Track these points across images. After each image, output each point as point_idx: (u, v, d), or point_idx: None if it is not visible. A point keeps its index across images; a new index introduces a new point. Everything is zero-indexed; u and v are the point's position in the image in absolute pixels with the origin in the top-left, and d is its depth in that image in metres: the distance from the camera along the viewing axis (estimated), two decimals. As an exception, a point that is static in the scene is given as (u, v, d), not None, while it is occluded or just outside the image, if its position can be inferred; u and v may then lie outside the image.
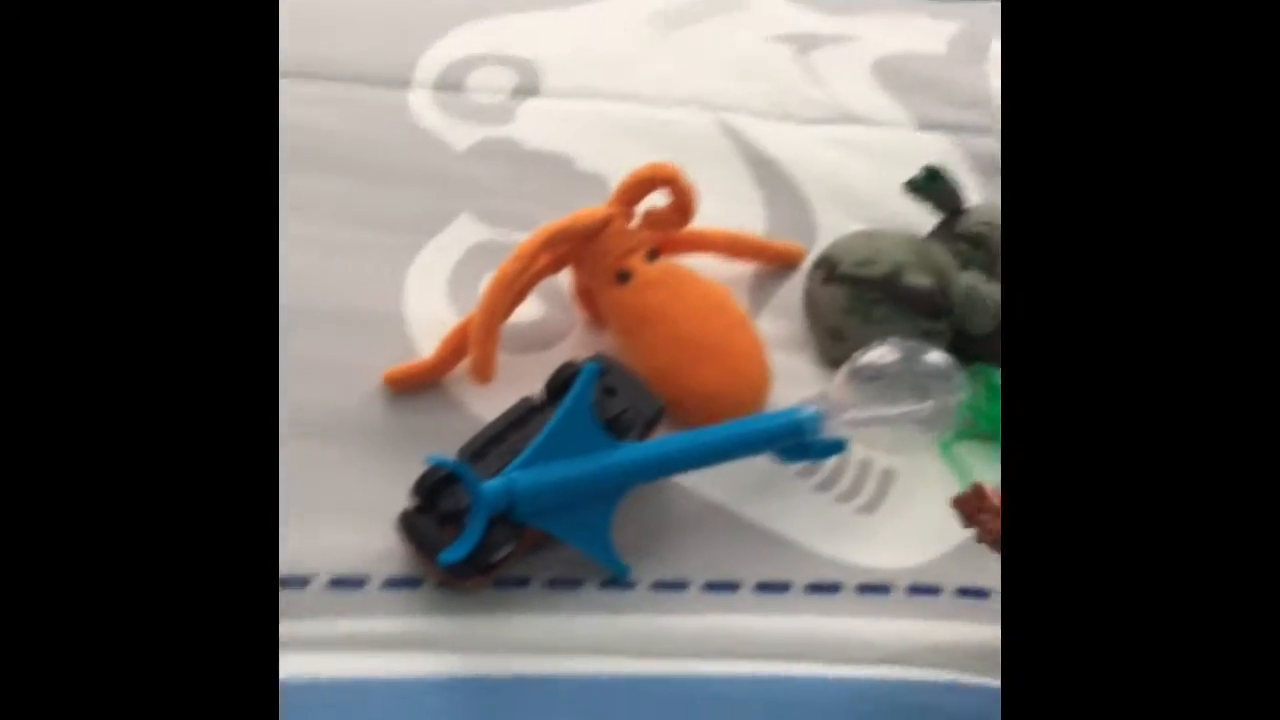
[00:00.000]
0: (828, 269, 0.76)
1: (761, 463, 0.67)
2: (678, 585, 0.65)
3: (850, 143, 0.90)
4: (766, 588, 0.65)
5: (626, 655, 0.62)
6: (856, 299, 0.74)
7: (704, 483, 0.68)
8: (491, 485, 0.60)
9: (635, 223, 0.73)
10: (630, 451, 0.64)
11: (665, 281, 0.71)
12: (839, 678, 0.61)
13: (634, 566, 0.65)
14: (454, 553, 0.59)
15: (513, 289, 0.69)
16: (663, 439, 0.66)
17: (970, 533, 0.60)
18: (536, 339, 0.75)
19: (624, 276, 0.71)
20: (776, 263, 0.80)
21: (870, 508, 0.69)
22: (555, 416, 0.62)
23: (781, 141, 0.88)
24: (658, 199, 0.73)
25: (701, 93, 0.91)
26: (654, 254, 0.72)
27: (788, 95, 0.92)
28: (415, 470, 0.63)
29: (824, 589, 0.65)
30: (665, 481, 0.68)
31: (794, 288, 0.79)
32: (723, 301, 0.72)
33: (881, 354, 0.67)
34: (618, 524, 0.64)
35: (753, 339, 0.72)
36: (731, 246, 0.78)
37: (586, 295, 0.75)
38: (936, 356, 0.67)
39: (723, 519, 0.68)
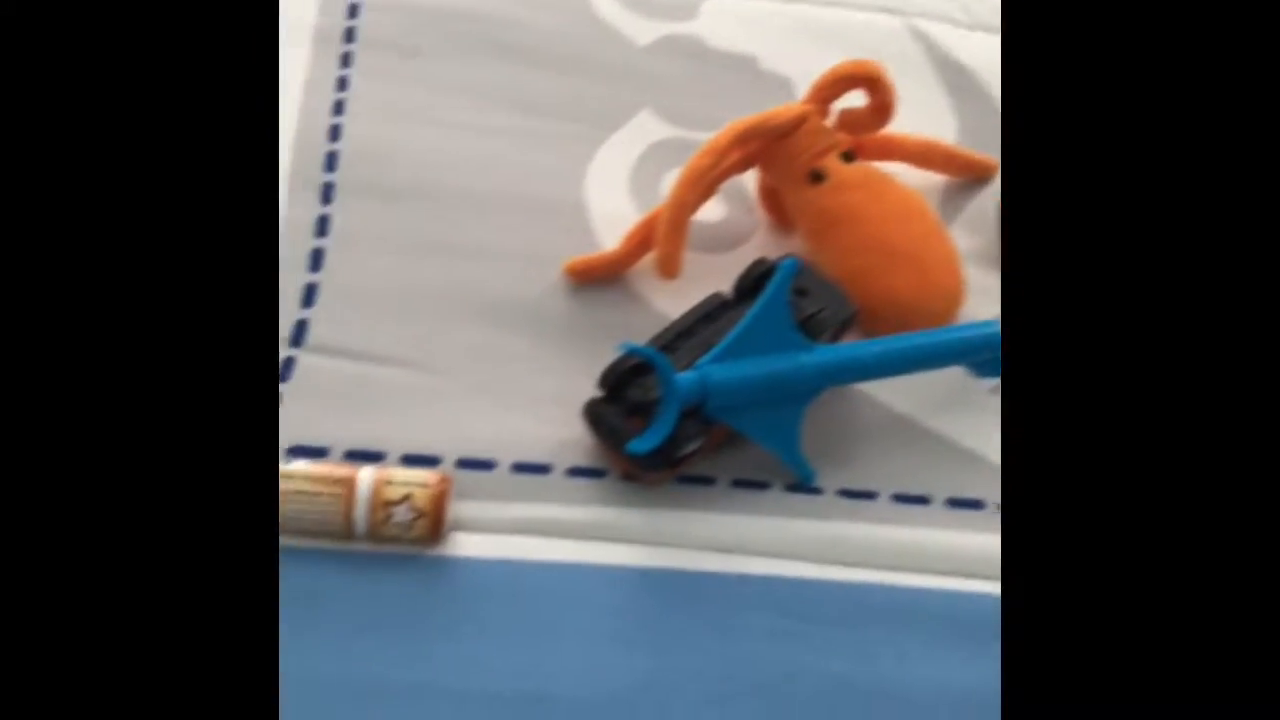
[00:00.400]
0: None
1: (951, 376, 0.65)
2: (866, 495, 0.63)
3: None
4: (958, 504, 0.63)
5: (811, 560, 0.60)
6: None
7: (892, 393, 0.67)
8: (685, 377, 0.59)
9: (829, 122, 0.71)
10: (825, 353, 0.62)
11: (861, 184, 0.69)
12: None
13: (820, 473, 0.63)
14: (644, 443, 0.58)
15: (702, 184, 0.67)
16: (857, 343, 0.64)
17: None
18: (720, 239, 0.73)
19: (817, 177, 0.69)
20: (968, 174, 0.77)
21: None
22: (750, 312, 0.60)
23: (974, 50, 0.85)
24: (853, 99, 0.71)
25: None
26: (848, 156, 0.70)
27: (981, 3, 0.88)
28: (598, 362, 0.63)
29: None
30: (852, 390, 0.66)
31: (986, 200, 0.76)
32: (919, 208, 0.70)
33: None
34: (804, 429, 0.62)
35: (949, 248, 0.69)
36: (924, 154, 0.75)
37: (772, 196, 0.73)
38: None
39: (912, 431, 0.66)
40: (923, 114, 0.80)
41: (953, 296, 0.68)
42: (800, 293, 0.64)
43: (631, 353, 0.60)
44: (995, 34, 0.86)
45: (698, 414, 0.60)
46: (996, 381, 0.66)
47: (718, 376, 0.59)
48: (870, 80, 0.69)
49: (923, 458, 0.65)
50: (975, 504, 0.63)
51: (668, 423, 0.58)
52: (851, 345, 0.64)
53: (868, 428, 0.66)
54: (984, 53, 0.84)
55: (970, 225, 0.75)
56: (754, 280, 0.65)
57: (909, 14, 0.86)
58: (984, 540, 0.61)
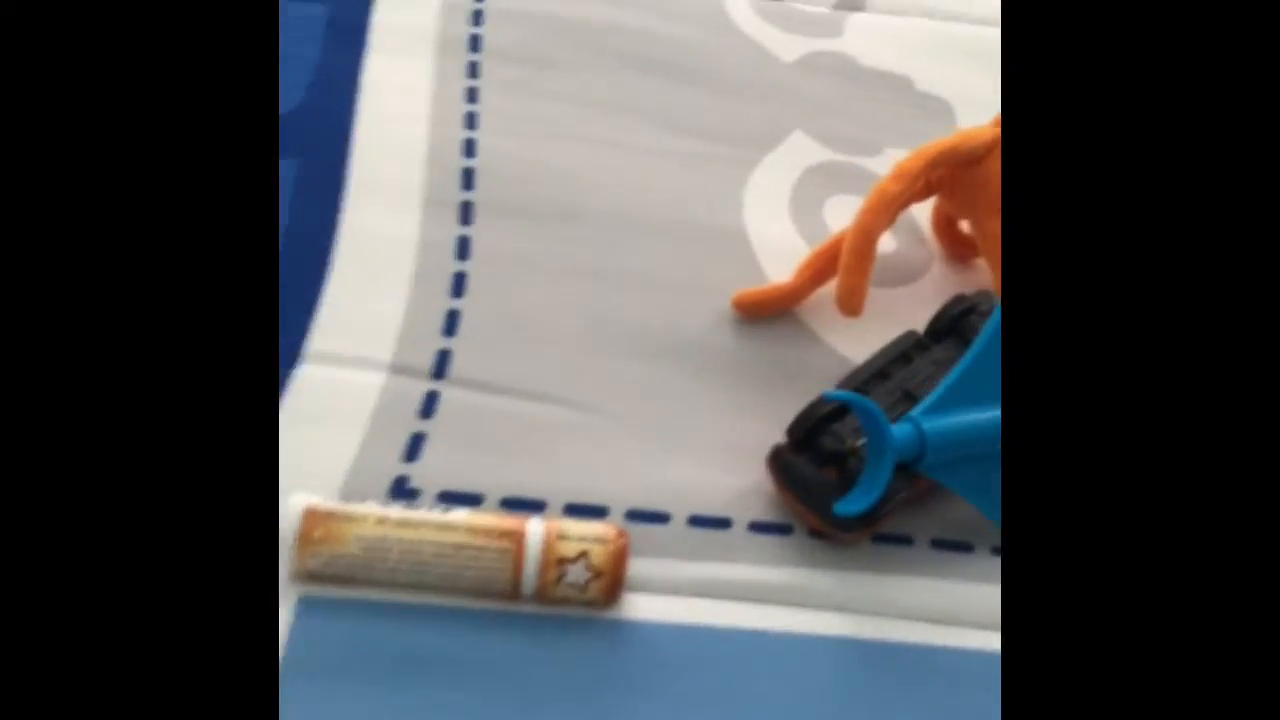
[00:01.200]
0: None
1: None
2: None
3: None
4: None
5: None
6: None
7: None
8: (901, 430, 0.52)
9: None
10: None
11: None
12: None
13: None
14: (853, 503, 0.52)
15: (890, 212, 0.62)
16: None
17: None
18: (895, 272, 0.67)
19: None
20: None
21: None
22: (965, 358, 0.54)
23: None
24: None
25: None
26: (1044, 185, 0.64)
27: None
28: (773, 404, 0.57)
29: None
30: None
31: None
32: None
33: None
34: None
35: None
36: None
37: (950, 226, 0.67)
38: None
39: None
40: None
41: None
42: (1000, 335, 0.58)
43: (834, 400, 0.54)
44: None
45: (907, 468, 0.53)
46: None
47: (935, 430, 0.53)
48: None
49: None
50: None
51: (881, 481, 0.52)
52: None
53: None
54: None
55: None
56: (951, 319, 0.59)
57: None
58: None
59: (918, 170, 0.61)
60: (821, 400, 0.55)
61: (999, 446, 0.54)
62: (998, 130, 0.64)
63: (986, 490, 0.55)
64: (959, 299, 0.60)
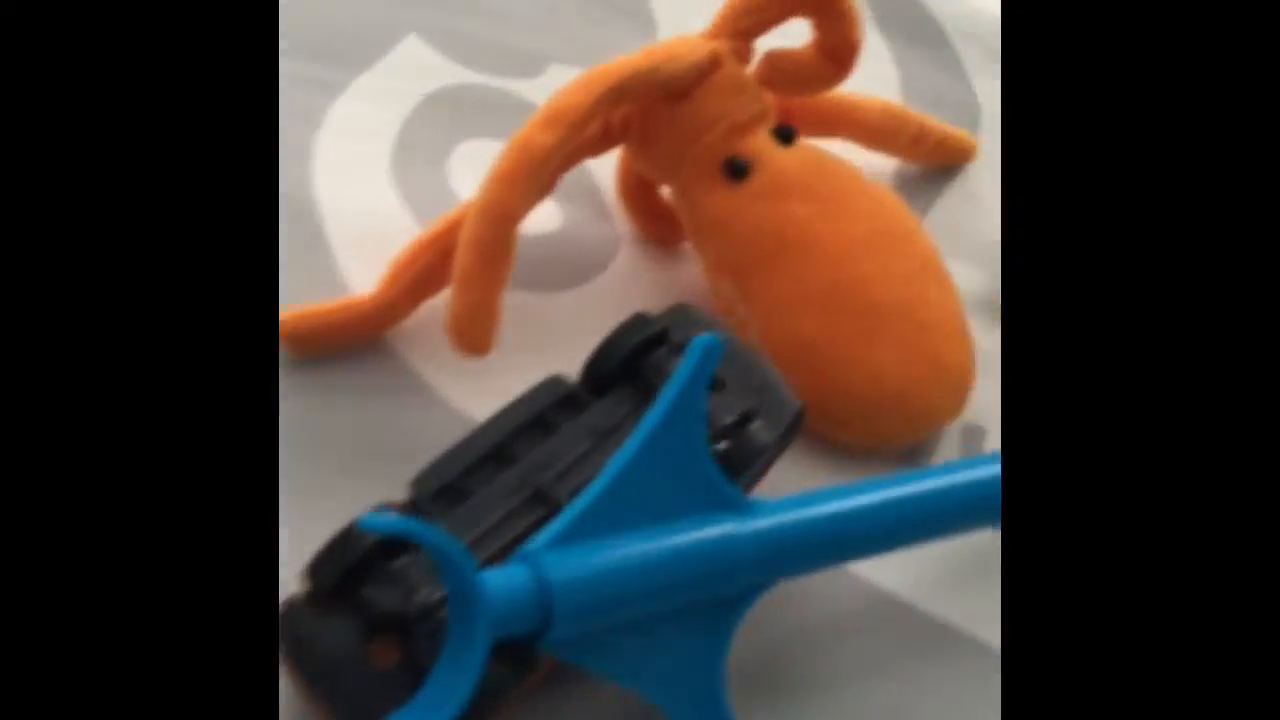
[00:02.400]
0: None
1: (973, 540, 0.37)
2: None
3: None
4: None
5: None
6: None
7: (872, 567, 0.38)
8: (500, 579, 0.28)
9: (751, 72, 0.41)
10: (772, 513, 0.32)
11: (812, 185, 0.39)
12: None
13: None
14: (420, 714, 0.27)
15: (539, 176, 0.36)
16: (823, 493, 0.34)
17: None
18: (558, 267, 0.42)
19: (738, 170, 0.39)
20: (936, 159, 0.49)
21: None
22: (635, 436, 0.30)
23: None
24: (787, 36, 0.41)
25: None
26: (785, 134, 0.40)
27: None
28: (345, 498, 0.31)
29: None
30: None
31: (959, 201, 0.48)
32: (906, 225, 0.41)
33: None
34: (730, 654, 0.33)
35: (950, 292, 0.41)
36: (887, 129, 0.46)
37: (647, 197, 0.43)
38: None
39: (914, 628, 0.37)
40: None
41: (965, 383, 0.40)
42: (712, 385, 0.34)
43: (375, 530, 0.28)
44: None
45: (516, 651, 0.29)
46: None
47: (568, 577, 0.29)
48: (818, 1, 0.40)
49: (932, 671, 0.36)
50: None
51: (469, 675, 0.27)
52: (811, 497, 0.34)
53: (840, 622, 0.37)
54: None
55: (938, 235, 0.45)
56: (625, 358, 0.35)
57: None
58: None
59: (586, 109, 0.36)
60: (355, 529, 0.30)
61: (703, 597, 0.31)
62: (717, 43, 0.39)
63: (681, 674, 0.32)
64: (638, 322, 0.35)
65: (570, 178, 0.41)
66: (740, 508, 0.32)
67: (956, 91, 0.52)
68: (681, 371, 0.31)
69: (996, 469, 0.36)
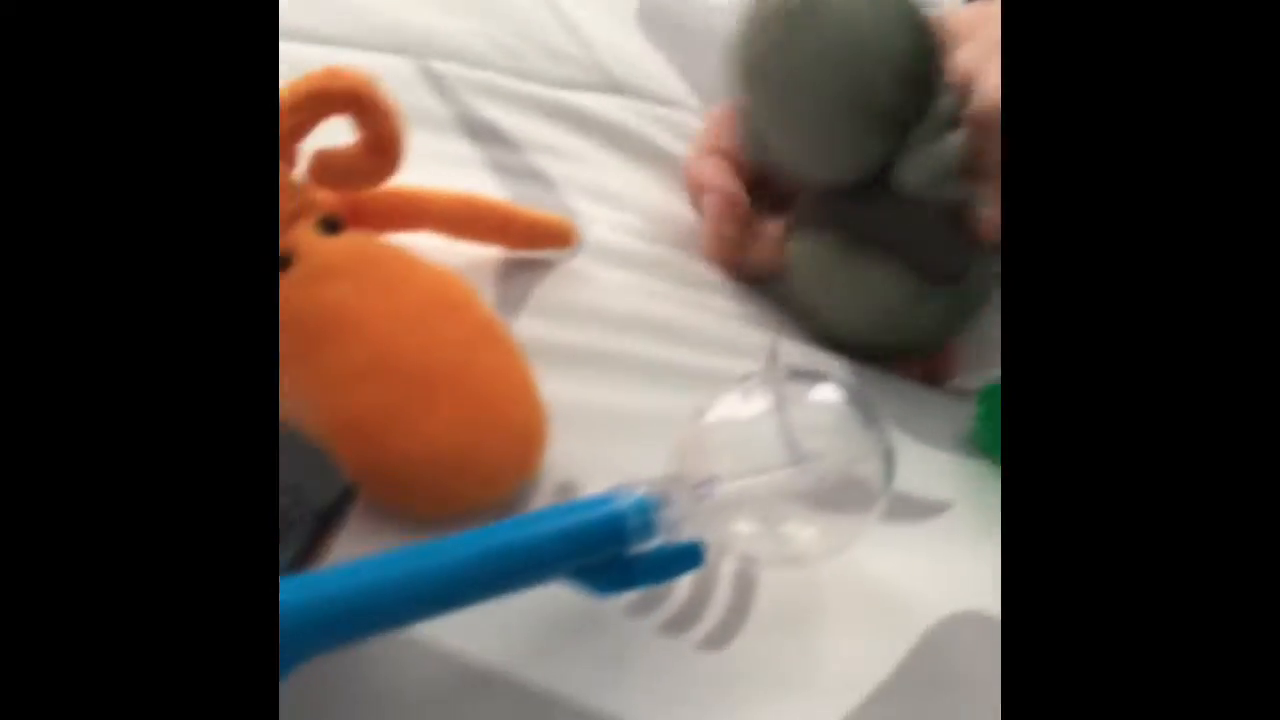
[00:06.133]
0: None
1: (560, 594, 0.37)
2: None
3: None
4: None
5: None
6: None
7: (453, 631, 0.38)
8: None
9: (299, 173, 0.43)
10: (300, 591, 0.33)
11: (354, 267, 0.41)
12: None
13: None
14: None
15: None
16: (375, 560, 0.35)
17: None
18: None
19: (280, 261, 0.41)
20: (535, 244, 0.50)
21: (718, 641, 0.39)
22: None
23: (512, 107, 0.59)
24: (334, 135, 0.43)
25: (401, 28, 0.61)
26: (331, 223, 0.42)
27: (526, 44, 0.63)
28: None
29: None
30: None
31: (564, 280, 0.50)
32: (457, 296, 0.43)
33: (741, 401, 0.40)
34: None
35: (510, 353, 0.42)
36: (467, 216, 0.48)
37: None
38: (831, 395, 0.41)
39: (499, 696, 0.37)
40: (455, 176, 0.53)
41: (529, 435, 0.41)
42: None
43: None
44: (547, 85, 0.61)
45: None
46: (628, 596, 0.40)
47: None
48: (351, 99, 0.42)
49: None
50: None
51: None
52: (355, 568, 0.34)
53: (412, 696, 0.37)
54: (524, 113, 0.59)
55: (542, 314, 0.47)
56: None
57: (425, 55, 0.60)
58: None
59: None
60: None
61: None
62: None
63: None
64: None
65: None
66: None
67: (548, 200, 0.54)
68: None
69: (550, 522, 0.37)
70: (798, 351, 0.50)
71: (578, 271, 0.50)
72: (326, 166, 0.43)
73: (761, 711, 0.32)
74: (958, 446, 0.49)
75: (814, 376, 0.42)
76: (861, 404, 0.41)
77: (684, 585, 0.40)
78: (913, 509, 0.45)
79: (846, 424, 0.40)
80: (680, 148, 0.60)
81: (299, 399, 0.40)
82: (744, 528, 0.39)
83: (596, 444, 0.43)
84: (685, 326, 0.49)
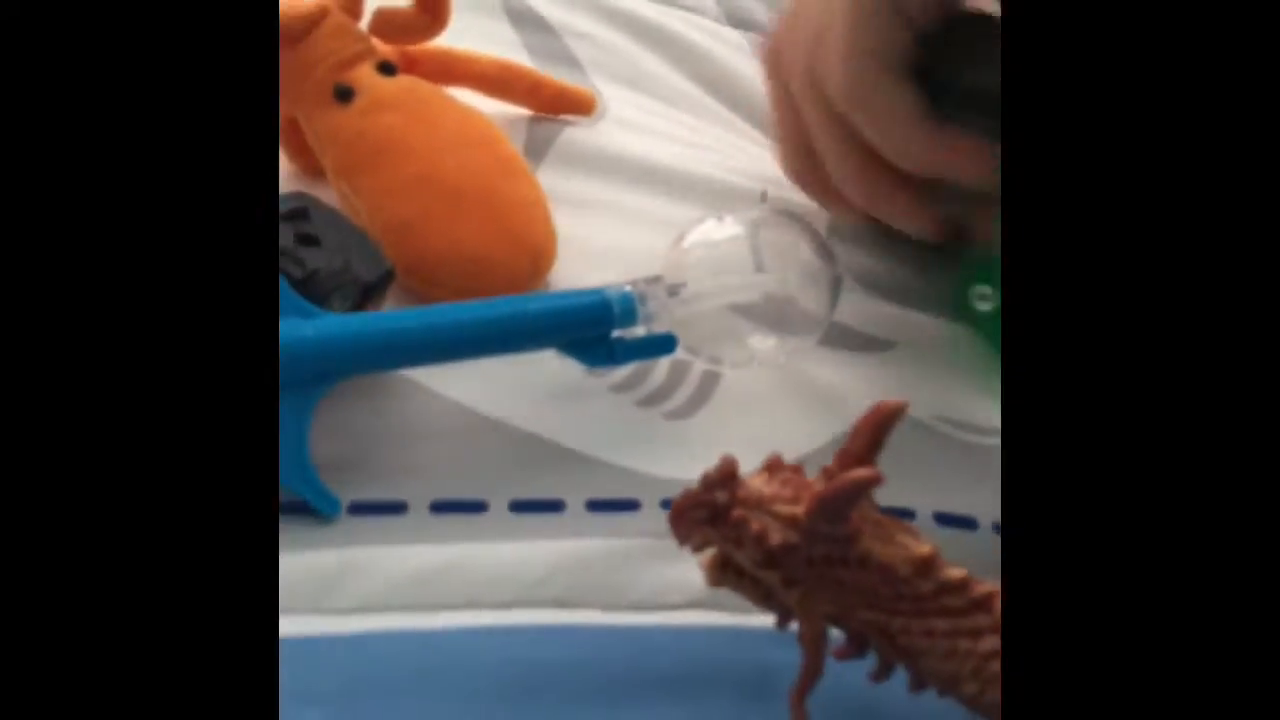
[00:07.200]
0: None
1: (542, 362, 0.46)
2: (394, 507, 0.43)
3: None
4: (525, 506, 0.44)
5: (303, 612, 0.38)
6: None
7: (467, 388, 0.47)
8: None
9: (362, 25, 0.52)
10: (334, 325, 0.42)
11: (405, 102, 0.50)
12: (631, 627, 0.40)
13: (340, 494, 0.43)
14: None
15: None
16: (401, 312, 0.44)
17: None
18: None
19: (344, 94, 0.49)
20: (558, 109, 0.59)
21: (683, 413, 0.48)
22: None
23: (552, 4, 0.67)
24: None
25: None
26: (387, 68, 0.51)
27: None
28: None
29: (614, 506, 0.44)
30: (399, 380, 0.46)
31: (578, 136, 0.58)
32: (487, 135, 0.51)
33: (716, 226, 0.49)
34: (317, 436, 0.42)
35: (531, 188, 0.51)
36: (501, 79, 0.57)
37: (294, 131, 0.53)
38: (791, 230, 0.49)
39: (502, 436, 0.46)
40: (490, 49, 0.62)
41: (541, 251, 0.50)
42: (305, 240, 0.44)
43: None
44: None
45: None
46: (615, 375, 0.48)
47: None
48: (409, -36, 0.51)
49: (483, 453, 0.45)
50: (552, 505, 0.44)
51: None
52: (387, 316, 0.44)
53: (411, 424, 0.45)
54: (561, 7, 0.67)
55: (561, 164, 0.56)
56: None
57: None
58: (560, 550, 0.42)
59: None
60: None
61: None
62: (326, 2, 0.50)
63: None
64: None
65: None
66: (311, 315, 0.42)
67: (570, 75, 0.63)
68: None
69: (547, 303, 0.46)
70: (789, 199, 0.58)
71: (598, 130, 0.59)
72: (385, 21, 0.52)
73: (706, 461, 0.40)
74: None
75: (786, 216, 0.50)
76: (819, 242, 0.49)
77: (661, 372, 0.49)
78: (858, 341, 0.53)
79: (802, 253, 0.49)
80: (711, 44, 0.68)
81: (358, 204, 0.49)
82: (713, 334, 0.48)
83: (598, 269, 0.51)
84: (691, 176, 0.57)
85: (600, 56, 0.65)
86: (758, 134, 0.65)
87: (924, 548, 0.33)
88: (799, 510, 0.32)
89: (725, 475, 0.34)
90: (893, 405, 0.33)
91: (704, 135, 0.63)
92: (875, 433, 0.33)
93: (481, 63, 0.56)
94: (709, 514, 0.34)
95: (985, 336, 0.55)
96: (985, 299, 0.54)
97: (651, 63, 0.67)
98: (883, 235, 0.57)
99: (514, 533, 0.42)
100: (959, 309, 0.55)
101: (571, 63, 0.64)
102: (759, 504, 0.33)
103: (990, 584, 0.33)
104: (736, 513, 0.33)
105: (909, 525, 0.34)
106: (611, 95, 0.62)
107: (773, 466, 0.34)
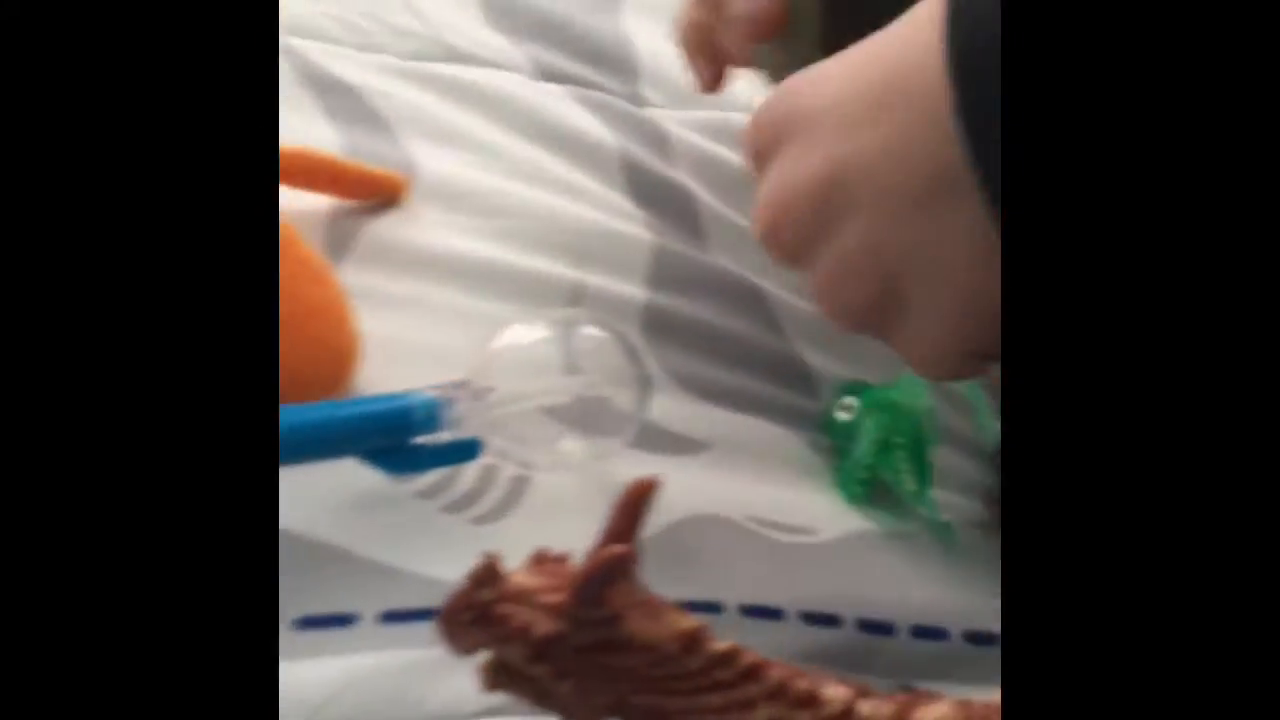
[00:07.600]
0: None
1: (346, 470, 0.45)
2: None
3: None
4: (313, 623, 0.42)
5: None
6: None
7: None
8: None
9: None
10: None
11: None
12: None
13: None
14: None
15: None
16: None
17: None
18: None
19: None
20: (367, 194, 0.58)
21: (492, 518, 0.47)
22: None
23: (364, 72, 0.65)
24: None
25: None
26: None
27: (373, 23, 0.69)
28: None
29: (411, 616, 0.43)
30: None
31: (388, 229, 0.56)
32: (282, 237, 0.50)
33: (526, 330, 0.48)
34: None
35: (329, 287, 0.50)
36: (302, 169, 0.55)
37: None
38: (599, 332, 0.49)
39: (298, 550, 0.44)
40: (292, 119, 0.60)
41: (343, 356, 0.49)
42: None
43: None
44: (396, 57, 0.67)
45: None
46: (422, 480, 0.47)
47: None
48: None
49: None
50: (344, 619, 0.43)
51: None
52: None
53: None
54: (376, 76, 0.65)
55: (365, 261, 0.54)
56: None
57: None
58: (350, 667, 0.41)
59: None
60: None
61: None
62: None
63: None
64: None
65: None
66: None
67: (394, 157, 0.60)
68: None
69: (344, 410, 0.44)
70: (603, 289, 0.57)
71: (404, 215, 0.57)
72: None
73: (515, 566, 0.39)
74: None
75: (596, 317, 0.50)
76: (626, 345, 0.49)
77: (470, 476, 0.48)
78: (672, 442, 0.53)
79: (610, 355, 0.48)
80: (526, 92, 0.66)
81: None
82: (522, 438, 0.47)
83: (406, 368, 0.50)
84: (500, 269, 0.56)
85: (408, 113, 0.63)
86: (582, 175, 0.63)
87: (689, 622, 0.32)
88: (562, 598, 0.32)
89: (487, 573, 0.33)
90: (645, 483, 0.33)
91: (525, 184, 0.61)
92: (632, 512, 0.33)
93: (279, 154, 0.54)
94: (475, 615, 0.32)
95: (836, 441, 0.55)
96: (847, 410, 0.54)
97: (462, 116, 0.64)
98: (705, 334, 0.57)
99: (300, 651, 0.40)
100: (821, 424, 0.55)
101: (377, 122, 0.62)
102: (523, 597, 0.32)
103: (756, 654, 0.33)
104: (500, 608, 0.32)
105: (675, 606, 0.33)
106: (425, 154, 0.61)
107: (539, 558, 0.34)
